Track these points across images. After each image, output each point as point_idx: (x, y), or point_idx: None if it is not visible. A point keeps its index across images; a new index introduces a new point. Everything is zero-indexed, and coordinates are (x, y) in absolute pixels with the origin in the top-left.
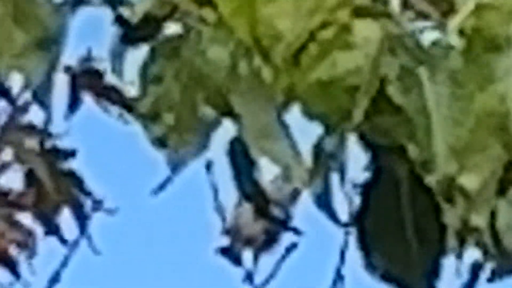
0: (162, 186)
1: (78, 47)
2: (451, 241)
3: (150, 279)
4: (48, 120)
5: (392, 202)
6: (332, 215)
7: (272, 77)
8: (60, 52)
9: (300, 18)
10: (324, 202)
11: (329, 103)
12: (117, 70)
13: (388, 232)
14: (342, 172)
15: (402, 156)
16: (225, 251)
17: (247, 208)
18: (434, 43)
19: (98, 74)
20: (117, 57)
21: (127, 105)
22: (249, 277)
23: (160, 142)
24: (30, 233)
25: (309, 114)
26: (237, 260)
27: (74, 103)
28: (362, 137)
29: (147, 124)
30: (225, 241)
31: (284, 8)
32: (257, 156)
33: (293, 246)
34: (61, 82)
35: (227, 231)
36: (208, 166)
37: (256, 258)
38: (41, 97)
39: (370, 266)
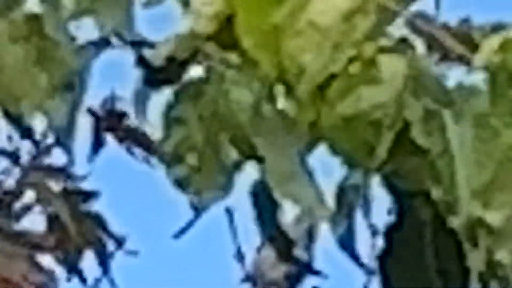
0: (184, 229)
1: (101, 89)
2: (475, 284)
3: None
4: (70, 162)
5: (416, 246)
6: (355, 258)
7: (296, 112)
8: (83, 94)
9: (326, 52)
10: (347, 244)
11: (354, 139)
12: (141, 113)
13: (411, 276)
14: (366, 209)
15: (426, 199)
16: None
17: (269, 253)
18: (458, 86)
19: (121, 116)
20: (140, 100)
21: (150, 147)
22: None
23: (183, 184)
24: (51, 276)
25: (334, 150)
26: None
27: (97, 145)
28: (386, 180)
29: (170, 166)
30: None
31: (309, 42)
32: (281, 199)
33: None
34: (84, 124)
35: (248, 277)
36: (229, 212)
37: None
38: (64, 139)
39: None
